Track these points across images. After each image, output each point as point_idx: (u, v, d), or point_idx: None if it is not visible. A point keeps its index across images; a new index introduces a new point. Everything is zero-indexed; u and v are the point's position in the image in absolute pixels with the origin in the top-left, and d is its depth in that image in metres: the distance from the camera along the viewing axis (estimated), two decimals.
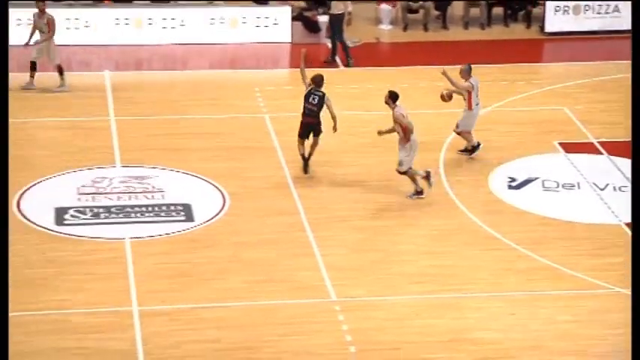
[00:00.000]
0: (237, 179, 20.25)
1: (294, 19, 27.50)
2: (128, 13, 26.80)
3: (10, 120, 22.04)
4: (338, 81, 24.66)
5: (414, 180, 19.60)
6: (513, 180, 20.56)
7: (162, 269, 17.51)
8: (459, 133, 21.13)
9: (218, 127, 22.49)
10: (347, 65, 25.91)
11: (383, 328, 16.08)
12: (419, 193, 19.65)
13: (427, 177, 19.67)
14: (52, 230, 18.48)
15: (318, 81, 20.24)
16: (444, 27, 28.69)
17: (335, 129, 20.02)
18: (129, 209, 19.22)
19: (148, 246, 18.21)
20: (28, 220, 18.70)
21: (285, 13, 27.41)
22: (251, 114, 22.98)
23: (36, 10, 24.00)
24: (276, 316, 16.37)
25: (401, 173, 19.59)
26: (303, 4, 28.20)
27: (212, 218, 19.11)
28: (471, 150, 21.12)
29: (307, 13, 27.80)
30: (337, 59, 26.12)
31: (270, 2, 28.05)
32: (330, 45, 26.40)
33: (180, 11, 27.07)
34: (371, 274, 17.45)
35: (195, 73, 25.81)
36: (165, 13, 26.95)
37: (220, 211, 19.35)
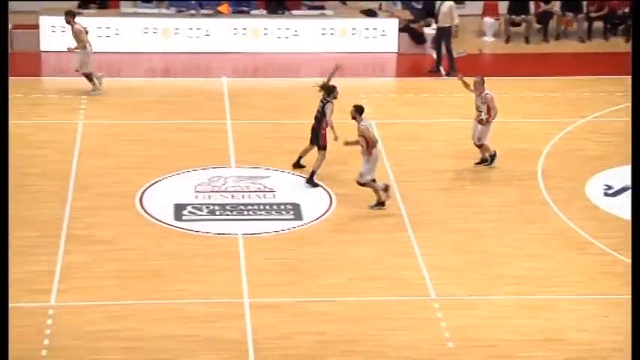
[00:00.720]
0: (344, 181, 20.29)
1: (400, 30, 27.52)
2: (246, 24, 27.07)
3: (136, 122, 22.58)
4: (441, 90, 24.62)
5: (375, 191, 19.24)
6: (610, 188, 20.27)
7: (272, 264, 17.64)
8: (480, 146, 20.63)
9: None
10: (449, 75, 25.82)
11: (480, 325, 15.99)
12: (381, 204, 19.25)
13: (386, 189, 19.30)
14: (171, 225, 18.75)
15: (327, 89, 20.10)
16: (545, 40, 28.41)
17: (335, 138, 19.64)
18: (242, 207, 19.41)
19: (259, 242, 18.36)
20: (150, 215, 19.00)
21: (392, 24, 27.45)
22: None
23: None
24: (378, 311, 16.38)
25: (360, 184, 19.22)
26: (409, 16, 28.21)
27: (319, 217, 19.20)
28: (491, 159, 20.73)
29: (413, 25, 27.78)
30: (441, 69, 26.03)
31: (379, 14, 28.17)
32: (434, 55, 26.34)
33: (294, 22, 27.26)
34: (469, 275, 17.37)
35: (307, 80, 25.89)
36: (280, 23, 27.17)
37: (327, 211, 19.43)
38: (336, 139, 19.67)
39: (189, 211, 19.18)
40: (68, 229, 18.36)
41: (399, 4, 28.97)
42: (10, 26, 26.41)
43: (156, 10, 27.50)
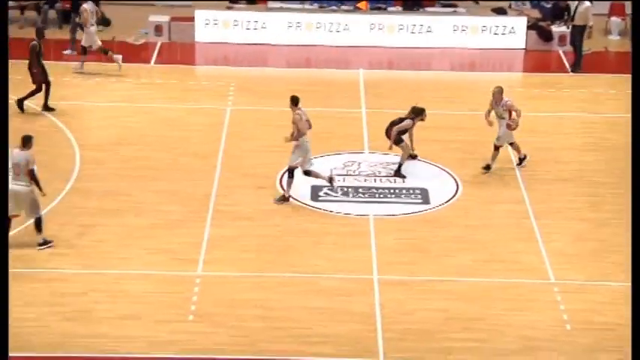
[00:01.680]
0: (470, 169, 20.07)
1: (529, 28, 27.05)
2: (383, 20, 26.97)
3: (278, 109, 22.71)
4: (567, 85, 24.14)
5: (316, 176, 18.66)
6: None
7: (400, 244, 17.56)
8: (499, 147, 19.80)
9: (455, 121, 22.36)
10: (574, 71, 25.28)
11: (597, 310, 15.64)
12: (285, 199, 18.55)
13: (330, 180, 18.74)
14: (307, 205, 18.82)
15: (415, 111, 19.78)
16: None
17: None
18: (374, 190, 19.36)
19: (389, 223, 18.29)
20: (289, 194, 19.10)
21: (521, 22, 27.00)
22: (484, 111, 22.68)
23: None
24: (500, 292, 16.16)
25: (289, 169, 18.50)
26: (538, 14, 27.74)
27: (446, 202, 19.02)
28: (522, 159, 20.06)
29: (542, 24, 27.28)
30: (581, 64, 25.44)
31: (509, 13, 27.77)
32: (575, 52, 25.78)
33: (428, 19, 27.05)
34: (589, 261, 16.99)
35: (438, 73, 25.73)
36: (414, 20, 26.98)
37: (454, 196, 19.24)
38: (390, 147, 19.57)
39: (325, 192, 19.22)
40: (215, 205, 18.59)
41: (528, 3, 28.51)
42: (168, 18, 26.88)
43: (300, 6, 27.65)
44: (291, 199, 18.65)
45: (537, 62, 26.38)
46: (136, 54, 25.82)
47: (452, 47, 26.70)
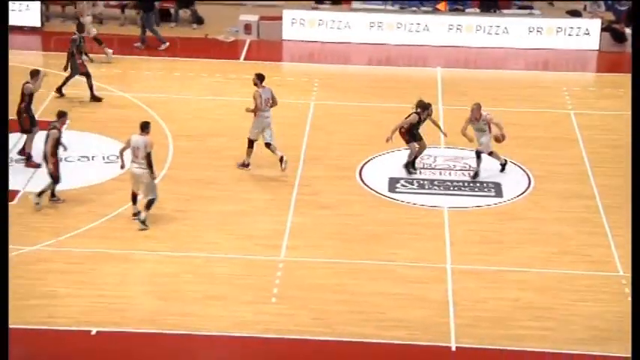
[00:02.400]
0: (543, 165, 19.81)
1: (603, 30, 26.57)
2: (461, 20, 26.73)
3: (359, 104, 22.66)
4: None
5: (273, 151, 19.05)
6: None
7: (473, 235, 17.42)
8: (490, 153, 19.19)
9: (530, 119, 22.08)
10: None
11: None
12: (246, 165, 18.98)
13: (281, 160, 18.90)
14: (385, 196, 18.77)
15: (422, 105, 19.42)
16: None
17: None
18: (448, 183, 19.23)
19: (463, 215, 18.15)
20: (367, 186, 19.08)
21: (595, 24, 26.51)
22: (559, 110, 22.40)
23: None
24: (569, 283, 15.94)
25: (249, 140, 19.02)
26: (612, 17, 27.23)
27: (518, 196, 18.81)
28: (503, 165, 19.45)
29: (615, 26, 26.77)
30: None
31: (583, 15, 27.33)
32: None
33: (505, 20, 26.74)
34: None
35: (513, 72, 25.44)
36: (491, 21, 26.70)
37: (526, 190, 19.01)
38: (387, 140, 19.07)
39: (402, 184, 19.15)
40: (297, 194, 18.65)
41: (602, 5, 27.99)
42: (257, 17, 27.01)
43: (382, 7, 27.57)
44: (250, 168, 19.10)
45: (610, 63, 25.91)
46: (226, 51, 26.00)
47: (527, 48, 26.37)
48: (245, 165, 19.25)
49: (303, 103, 22.73)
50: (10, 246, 16.26)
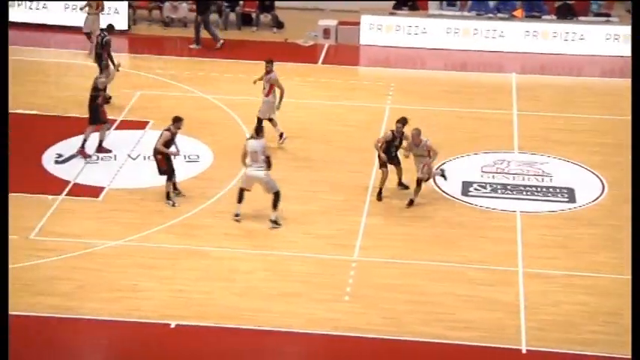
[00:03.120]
0: (616, 171, 19.61)
1: None
2: (537, 27, 26.59)
3: (435, 108, 22.67)
4: None
5: (274, 126, 19.91)
6: None
7: (545, 240, 17.34)
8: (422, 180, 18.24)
9: (605, 125, 21.89)
10: None
11: None
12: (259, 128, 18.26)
13: (281, 136, 19.62)
14: (458, 199, 18.79)
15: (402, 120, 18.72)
16: None
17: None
18: (521, 188, 19.17)
19: (535, 220, 18.08)
20: (440, 189, 19.10)
21: None
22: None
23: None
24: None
25: (258, 119, 19.56)
26: None
27: (592, 202, 18.67)
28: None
29: None
30: None
31: None
32: None
33: (581, 27, 26.52)
34: None
35: (588, 79, 25.21)
36: (568, 28, 26.50)
37: (599, 196, 18.86)
38: (406, 156, 18.56)
39: (475, 188, 19.14)
40: (371, 196, 18.73)
41: None
42: (336, 22, 27.20)
43: (459, 13, 27.54)
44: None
45: None
46: (304, 54, 26.25)
47: (603, 55, 26.10)
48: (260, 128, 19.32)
49: (379, 107, 22.83)
50: (97, 240, 16.78)
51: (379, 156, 18.53)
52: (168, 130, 18.03)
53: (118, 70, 21.64)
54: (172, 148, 18.03)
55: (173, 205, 17.92)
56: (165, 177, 18.13)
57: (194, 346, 14.43)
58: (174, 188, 18.28)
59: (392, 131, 18.60)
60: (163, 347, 14.37)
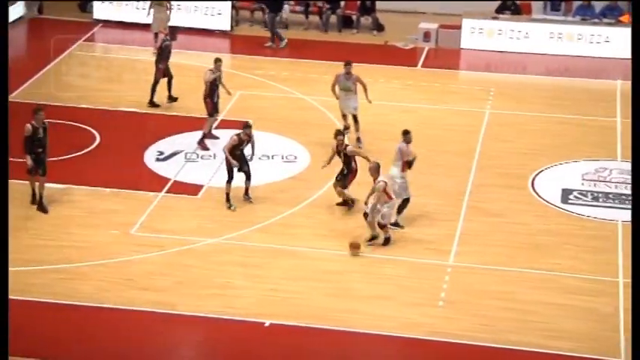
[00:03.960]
0: None
1: None
2: None
3: (535, 114, 22.36)
4: None
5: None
6: None
7: None
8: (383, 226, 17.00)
9: None
10: None
11: None
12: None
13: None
14: (557, 206, 18.50)
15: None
16: None
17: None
18: (624, 197, 18.77)
19: None
20: (539, 195, 18.85)
21: None
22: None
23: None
24: None
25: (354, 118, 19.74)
26: None
27: None
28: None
29: None
30: None
31: None
32: None
33: None
34: None
35: None
36: None
37: None
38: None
39: (575, 196, 18.82)
40: (468, 200, 18.63)
41: None
42: (436, 26, 27.07)
43: (562, 18, 27.12)
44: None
45: None
46: (404, 57, 26.18)
47: None
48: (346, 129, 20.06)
49: (478, 112, 22.64)
50: (195, 237, 17.04)
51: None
52: (237, 135, 18.11)
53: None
54: (247, 150, 18.13)
55: (230, 208, 17.96)
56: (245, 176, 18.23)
57: (287, 346, 14.52)
58: (246, 193, 18.28)
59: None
60: (257, 345, 14.50)
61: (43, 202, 17.68)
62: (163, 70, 22.19)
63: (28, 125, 17.30)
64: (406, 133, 17.77)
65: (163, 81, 22.22)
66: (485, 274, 16.30)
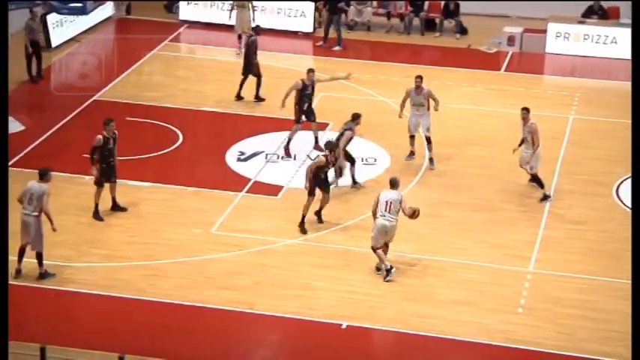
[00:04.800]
0: None
1: None
2: None
3: (622, 120, 22.06)
4: None
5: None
6: None
7: None
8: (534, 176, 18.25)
9: None
10: None
11: None
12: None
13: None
14: None
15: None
16: None
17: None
18: None
19: None
20: (623, 203, 18.58)
21: None
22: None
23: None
24: None
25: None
26: None
27: None
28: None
29: None
30: None
31: None
32: None
33: None
34: None
35: None
36: None
37: None
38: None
39: None
40: (550, 207, 18.46)
41: None
42: (521, 30, 26.85)
43: None
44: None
45: None
46: (487, 61, 26.04)
47: None
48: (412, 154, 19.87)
49: (562, 117, 22.41)
50: (274, 238, 17.22)
51: (309, 181, 17.27)
52: (349, 129, 18.32)
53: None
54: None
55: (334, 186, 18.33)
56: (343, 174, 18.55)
57: (364, 348, 14.59)
58: (354, 181, 18.80)
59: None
60: (335, 347, 14.59)
61: (118, 203, 17.98)
62: (258, 65, 22.47)
63: (99, 136, 17.43)
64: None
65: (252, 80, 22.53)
66: (565, 281, 16.15)
